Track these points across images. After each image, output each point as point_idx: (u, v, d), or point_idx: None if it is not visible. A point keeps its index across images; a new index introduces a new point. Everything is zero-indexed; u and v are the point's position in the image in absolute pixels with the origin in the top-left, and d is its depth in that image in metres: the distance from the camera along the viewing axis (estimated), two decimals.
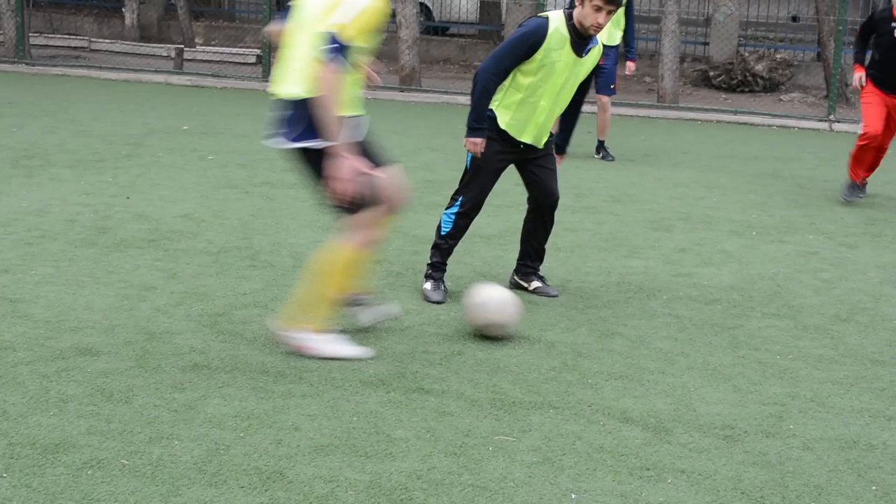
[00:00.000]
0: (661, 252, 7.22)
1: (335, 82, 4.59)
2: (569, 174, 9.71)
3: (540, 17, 5.70)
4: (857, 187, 9.19)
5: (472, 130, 5.70)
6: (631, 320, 5.73)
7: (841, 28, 14.74)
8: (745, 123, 14.48)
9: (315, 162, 4.79)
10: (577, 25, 5.58)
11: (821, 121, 14.88)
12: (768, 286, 6.52)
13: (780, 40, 20.11)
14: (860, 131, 9.03)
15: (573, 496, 3.80)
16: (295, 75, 4.80)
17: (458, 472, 3.93)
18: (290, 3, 5.06)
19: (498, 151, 5.79)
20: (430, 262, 6.01)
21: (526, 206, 6.12)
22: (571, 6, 5.66)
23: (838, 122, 14.65)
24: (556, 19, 5.62)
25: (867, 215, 8.71)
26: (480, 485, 3.85)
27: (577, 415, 4.49)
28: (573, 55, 5.63)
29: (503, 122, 5.75)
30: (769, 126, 14.50)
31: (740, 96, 17.18)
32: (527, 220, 6.09)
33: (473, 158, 5.79)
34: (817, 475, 4.07)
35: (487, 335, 5.31)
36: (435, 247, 6.02)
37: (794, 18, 20.97)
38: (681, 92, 16.18)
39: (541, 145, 5.87)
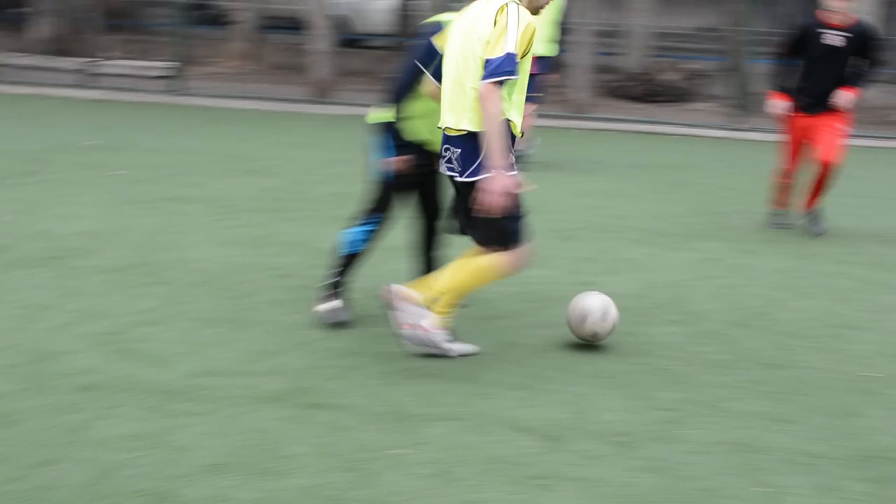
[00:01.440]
0: (565, 261, 7.28)
1: (498, 100, 4.77)
2: None
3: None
4: (783, 214, 8.80)
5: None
6: (532, 330, 5.77)
7: (750, 39, 15.01)
8: (655, 133, 14.68)
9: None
10: None
11: (729, 130, 15.13)
12: (668, 293, 6.61)
13: (691, 51, 20.41)
14: (778, 166, 8.73)
15: None
16: (462, 108, 4.96)
17: (352, 487, 3.92)
18: (423, 34, 5.42)
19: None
20: (337, 279, 5.79)
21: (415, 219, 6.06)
22: None
23: (746, 130, 14.90)
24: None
25: (765, 222, 8.86)
26: (375, 499, 3.85)
27: (474, 426, 4.51)
28: None
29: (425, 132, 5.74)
30: (679, 135, 14.71)
31: (651, 106, 17.40)
32: (419, 232, 6.05)
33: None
34: (708, 479, 4.13)
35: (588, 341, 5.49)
36: (345, 264, 5.80)
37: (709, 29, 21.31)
38: (592, 102, 16.35)
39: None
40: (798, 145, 8.48)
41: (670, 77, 17.99)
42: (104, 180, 9.37)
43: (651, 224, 8.63)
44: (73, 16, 21.28)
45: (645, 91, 17.90)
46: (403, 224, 6.13)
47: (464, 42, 5.01)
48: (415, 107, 5.55)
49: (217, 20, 21.72)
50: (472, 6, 5.11)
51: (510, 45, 4.78)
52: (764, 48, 16.99)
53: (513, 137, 5.00)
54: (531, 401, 4.81)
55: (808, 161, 8.47)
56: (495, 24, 4.85)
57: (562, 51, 10.91)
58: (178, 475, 3.93)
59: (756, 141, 14.30)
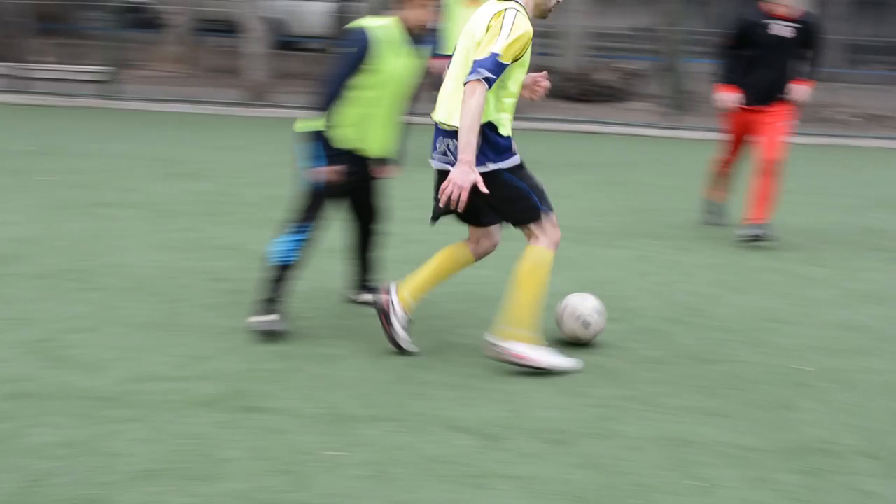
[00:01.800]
0: (502, 261, 7.25)
1: (480, 95, 4.78)
2: (414, 186, 9.75)
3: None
4: (718, 206, 8.84)
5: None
6: (468, 329, 5.78)
7: (685, 38, 15.15)
8: (591, 132, 14.77)
9: (493, 183, 4.98)
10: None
11: (664, 129, 15.26)
12: (604, 291, 6.62)
13: (627, 51, 20.58)
14: (717, 158, 8.72)
15: None
16: (451, 103, 5.05)
17: (287, 491, 3.90)
18: (436, 32, 5.25)
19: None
20: (273, 293, 5.57)
21: (350, 222, 6.04)
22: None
23: (681, 129, 15.04)
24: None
25: (698, 219, 8.94)
26: (310, 502, 3.82)
27: (411, 426, 4.50)
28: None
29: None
30: (615, 134, 14.81)
31: (587, 106, 17.50)
32: (354, 236, 6.05)
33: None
34: (643, 474, 4.15)
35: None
36: (278, 277, 5.58)
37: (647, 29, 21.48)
38: (529, 102, 16.38)
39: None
40: (740, 139, 8.41)
41: (606, 77, 18.13)
42: (35, 185, 9.24)
43: (587, 223, 8.68)
44: (4, 20, 20.97)
45: (581, 91, 18.00)
46: (339, 226, 6.10)
47: (464, 41, 5.10)
48: (345, 114, 5.51)
49: (151, 23, 21.51)
50: (483, 6, 5.14)
51: (496, 47, 4.81)
52: (698, 48, 17.20)
53: (507, 137, 5.09)
54: (468, 400, 4.81)
55: (750, 156, 8.43)
56: (488, 28, 4.91)
57: None
58: (109, 482, 3.88)
59: (691, 139, 14.45)
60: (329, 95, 5.42)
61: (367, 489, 3.94)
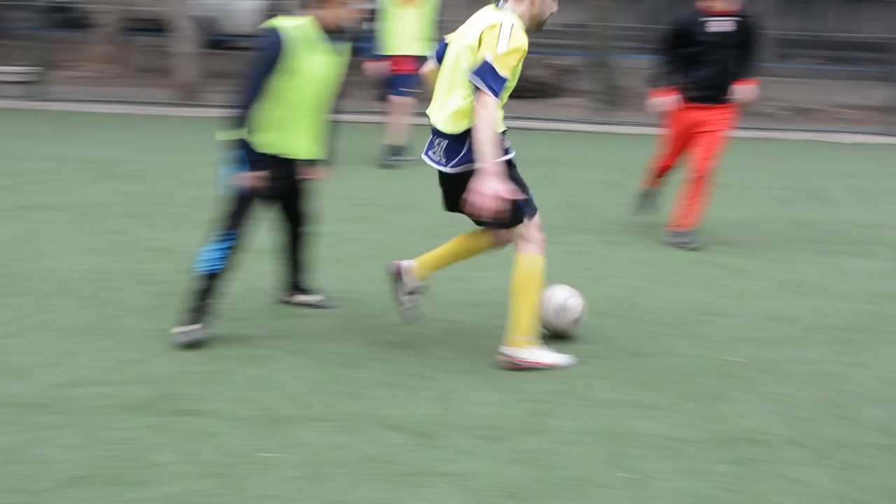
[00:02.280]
0: None
1: (492, 108, 4.87)
2: (346, 184, 9.73)
3: None
4: (652, 194, 8.70)
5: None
6: (402, 328, 5.76)
7: (616, 34, 15.25)
8: (523, 128, 14.81)
9: (465, 183, 5.08)
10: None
11: (596, 124, 15.35)
12: None
13: (558, 47, 20.67)
14: (657, 154, 8.48)
15: None
16: (452, 108, 5.12)
17: (219, 494, 3.87)
18: (444, 40, 5.36)
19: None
20: (200, 303, 5.43)
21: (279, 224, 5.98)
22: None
23: (613, 124, 15.15)
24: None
25: (630, 214, 9.01)
26: None
27: (344, 426, 4.48)
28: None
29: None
30: (547, 130, 14.87)
31: (519, 102, 17.52)
32: (284, 237, 5.98)
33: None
34: (576, 468, 4.17)
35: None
36: (206, 287, 5.43)
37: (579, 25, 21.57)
38: None
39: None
40: (682, 137, 8.16)
41: (538, 73, 18.17)
42: None
43: None
44: None
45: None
46: (269, 227, 6.06)
47: (458, 51, 5.13)
48: (266, 117, 5.36)
49: (79, 23, 21.20)
50: (477, 13, 5.19)
51: (490, 55, 4.87)
52: (629, 43, 17.33)
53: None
54: (401, 398, 4.80)
55: (686, 161, 8.27)
56: (481, 40, 4.96)
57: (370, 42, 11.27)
58: (38, 489, 3.82)
59: (623, 134, 14.56)
60: (247, 98, 5.26)
61: (301, 490, 3.91)
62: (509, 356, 5.21)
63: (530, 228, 5.25)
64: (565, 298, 5.68)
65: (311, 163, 5.70)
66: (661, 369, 5.31)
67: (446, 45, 5.43)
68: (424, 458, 4.20)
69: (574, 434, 4.49)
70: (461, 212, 5.35)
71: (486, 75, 4.87)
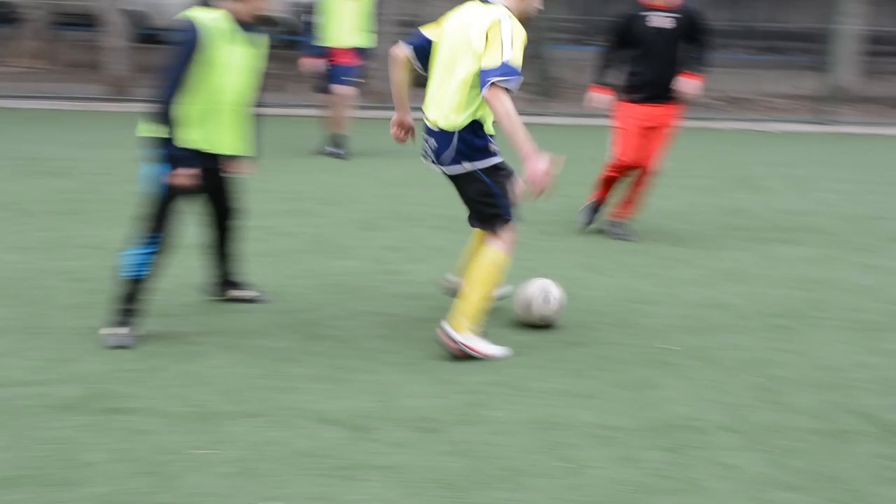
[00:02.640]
0: (371, 251, 7.27)
1: (507, 100, 5.03)
2: (279, 178, 9.66)
3: None
4: (595, 209, 8.28)
5: None
6: (337, 321, 5.74)
7: (550, 25, 15.29)
8: None
9: (469, 182, 5.32)
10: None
11: (530, 115, 15.39)
12: None
13: None
14: (612, 157, 7.98)
15: None
16: (442, 105, 5.26)
17: (153, 492, 3.82)
18: (419, 30, 5.38)
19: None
20: (126, 307, 5.33)
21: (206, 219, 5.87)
22: None
23: (548, 115, 15.21)
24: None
25: (565, 204, 9.03)
26: (176, 502, 3.76)
27: (279, 421, 4.45)
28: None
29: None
30: None
31: None
32: (212, 233, 5.87)
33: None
34: (513, 458, 4.18)
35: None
36: (131, 291, 5.32)
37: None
38: (386, 91, 16.36)
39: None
40: (635, 136, 7.85)
41: None
42: None
43: (455, 211, 8.64)
44: None
45: None
46: (197, 223, 5.99)
47: (453, 47, 5.24)
48: (187, 113, 5.24)
49: (6, 18, 20.85)
50: (464, 10, 5.31)
51: (507, 54, 5.01)
52: (564, 34, 17.41)
53: (485, 137, 5.36)
54: (337, 392, 4.78)
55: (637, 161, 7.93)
56: (487, 38, 5.07)
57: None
58: None
59: (557, 125, 14.61)
60: (167, 93, 5.13)
61: (235, 486, 3.88)
62: (450, 336, 5.21)
63: (507, 230, 5.33)
64: (546, 290, 5.76)
65: (234, 158, 5.58)
66: (596, 358, 5.34)
67: (426, 38, 5.45)
68: (360, 452, 4.19)
69: (510, 424, 4.50)
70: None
71: (506, 74, 4.99)
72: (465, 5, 5.33)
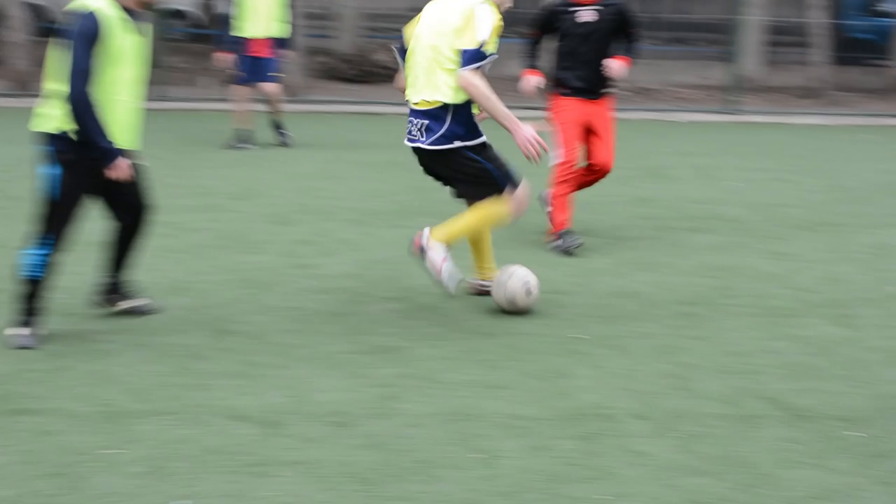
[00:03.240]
0: (282, 246, 7.22)
1: (485, 84, 5.47)
2: (188, 173, 9.55)
3: None
4: (569, 234, 7.51)
5: None
6: (247, 317, 5.68)
7: None
8: (369, 113, 14.78)
9: (452, 160, 5.69)
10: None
11: None
12: (384, 271, 6.67)
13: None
14: (556, 160, 7.51)
15: (181, 502, 3.71)
16: (436, 86, 5.61)
17: (59, 494, 3.75)
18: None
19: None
20: (27, 306, 5.21)
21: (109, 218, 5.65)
22: None
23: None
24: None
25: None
26: (85, 503, 3.69)
27: (188, 419, 4.39)
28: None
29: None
30: (393, 115, 14.85)
31: (365, 87, 17.50)
32: (114, 231, 5.60)
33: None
34: (425, 450, 4.18)
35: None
36: (31, 291, 5.19)
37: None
38: (305, 84, 16.29)
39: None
40: (572, 129, 7.56)
41: (383, 58, 18.15)
42: None
43: (366, 204, 8.68)
44: None
45: (358, 72, 18.00)
46: (100, 219, 5.87)
47: (433, 35, 5.61)
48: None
49: None
50: (435, 4, 5.73)
51: (482, 35, 5.45)
52: None
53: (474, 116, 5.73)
54: (247, 388, 4.73)
55: (581, 161, 7.72)
56: (465, 20, 5.49)
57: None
58: None
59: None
60: (79, 84, 4.94)
61: (144, 486, 3.82)
62: (424, 242, 5.58)
63: (509, 196, 5.71)
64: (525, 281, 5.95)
65: (131, 151, 5.33)
66: (508, 348, 5.36)
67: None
68: (272, 448, 4.15)
69: (422, 417, 4.49)
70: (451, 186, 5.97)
71: (476, 59, 5.44)
72: (434, 3, 5.75)
